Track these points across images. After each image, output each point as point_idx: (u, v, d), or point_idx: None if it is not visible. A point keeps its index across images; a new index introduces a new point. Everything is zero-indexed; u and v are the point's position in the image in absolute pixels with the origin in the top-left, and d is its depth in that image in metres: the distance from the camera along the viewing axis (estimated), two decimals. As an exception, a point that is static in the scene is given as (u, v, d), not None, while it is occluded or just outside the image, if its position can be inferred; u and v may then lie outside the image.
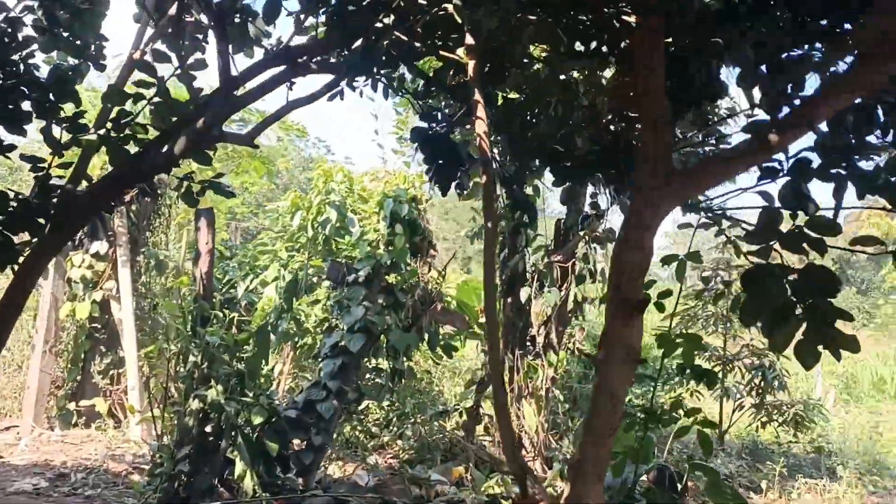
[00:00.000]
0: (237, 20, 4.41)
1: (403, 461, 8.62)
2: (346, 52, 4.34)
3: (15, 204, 3.51)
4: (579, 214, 8.73)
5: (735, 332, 11.21)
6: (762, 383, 10.40)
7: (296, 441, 7.12)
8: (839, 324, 2.68)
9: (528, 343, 8.80)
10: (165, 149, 3.88)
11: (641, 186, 2.94)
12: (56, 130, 3.65)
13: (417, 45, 4.29)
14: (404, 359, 7.84)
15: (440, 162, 4.87)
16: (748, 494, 8.98)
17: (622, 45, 3.65)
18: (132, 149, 3.75)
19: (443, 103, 5.40)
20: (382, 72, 4.71)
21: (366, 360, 7.82)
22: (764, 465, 10.45)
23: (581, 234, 8.48)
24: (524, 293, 8.30)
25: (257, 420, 6.67)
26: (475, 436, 8.86)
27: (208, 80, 4.35)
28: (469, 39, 3.97)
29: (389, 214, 7.60)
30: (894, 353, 23.84)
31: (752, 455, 11.03)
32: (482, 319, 11.68)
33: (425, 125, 4.65)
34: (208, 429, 6.52)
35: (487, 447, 8.78)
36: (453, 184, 4.83)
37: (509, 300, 8.63)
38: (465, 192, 7.63)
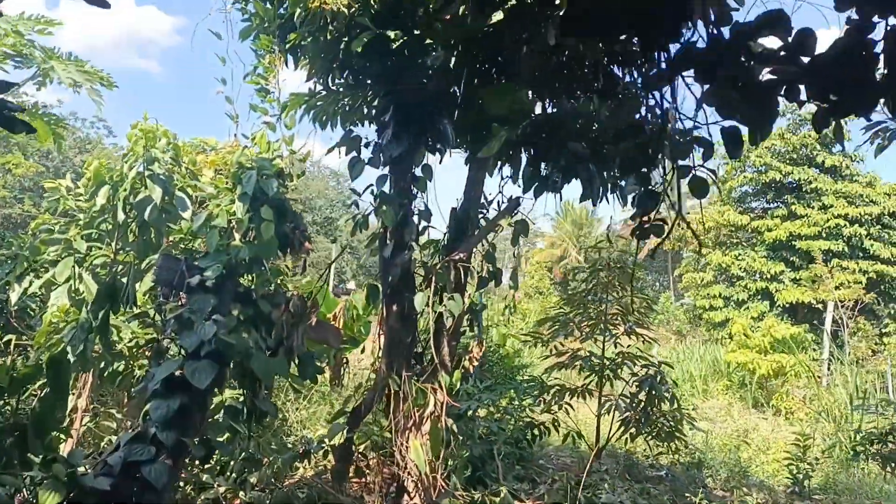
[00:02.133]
0: None
1: (253, 523, 6.48)
2: None
3: None
4: (478, 203, 7.11)
5: (615, 338, 10.21)
6: (648, 396, 9.45)
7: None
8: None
9: (414, 361, 7.04)
10: None
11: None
12: None
13: None
14: (265, 392, 5.73)
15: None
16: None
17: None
18: None
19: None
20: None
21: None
22: (645, 485, 9.56)
23: (486, 225, 6.87)
24: (419, 300, 6.49)
25: (50, 500, 4.35)
26: (348, 481, 6.92)
27: None
28: None
29: (251, 193, 5.45)
30: (688, 351, 25.10)
31: (630, 473, 10.12)
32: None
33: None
34: (-36, 520, 4.20)
35: (364, 497, 6.87)
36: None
37: (394, 308, 6.81)
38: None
